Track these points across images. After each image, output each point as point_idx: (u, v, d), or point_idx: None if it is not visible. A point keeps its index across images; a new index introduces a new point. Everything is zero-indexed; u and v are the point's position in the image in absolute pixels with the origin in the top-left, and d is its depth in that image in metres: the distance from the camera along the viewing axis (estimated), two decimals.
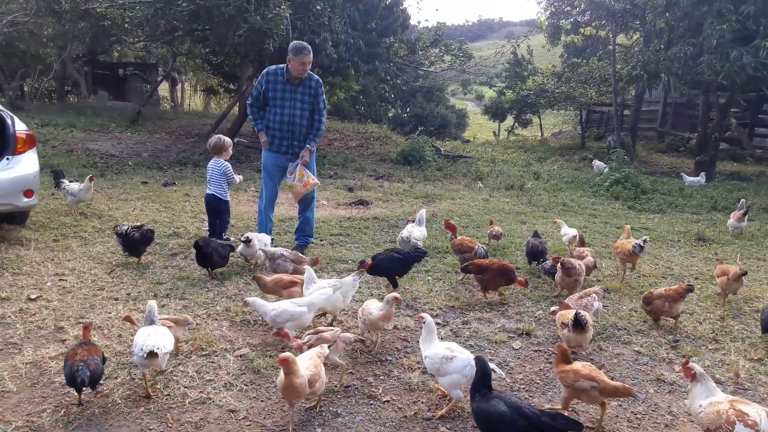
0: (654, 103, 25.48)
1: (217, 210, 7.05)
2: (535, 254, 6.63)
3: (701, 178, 14.83)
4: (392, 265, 5.65)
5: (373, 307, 4.43)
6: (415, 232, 6.93)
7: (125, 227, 6.24)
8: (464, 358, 3.65)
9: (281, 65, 6.78)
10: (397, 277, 5.77)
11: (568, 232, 7.57)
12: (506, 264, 5.65)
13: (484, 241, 7.57)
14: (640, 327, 5.20)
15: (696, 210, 11.92)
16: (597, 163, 17.00)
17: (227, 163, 7.08)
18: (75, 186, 8.26)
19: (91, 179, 8.30)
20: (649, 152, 22.53)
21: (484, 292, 5.68)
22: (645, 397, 4.00)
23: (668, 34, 18.31)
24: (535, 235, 7.13)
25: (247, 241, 6.20)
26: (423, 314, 3.99)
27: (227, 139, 7.21)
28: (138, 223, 6.49)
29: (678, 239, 9.05)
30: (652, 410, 3.85)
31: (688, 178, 14.86)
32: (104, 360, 3.67)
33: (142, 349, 3.55)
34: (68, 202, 8.31)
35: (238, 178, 7.21)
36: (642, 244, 6.35)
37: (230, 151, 7.18)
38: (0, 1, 20.25)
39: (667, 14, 17.38)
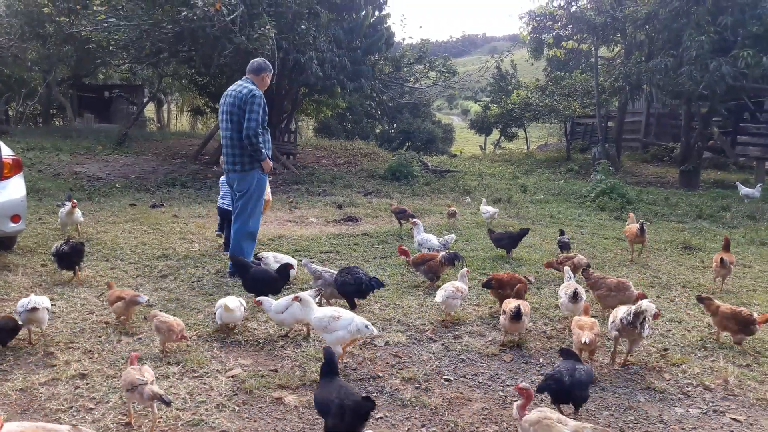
0: (637, 114, 25.79)
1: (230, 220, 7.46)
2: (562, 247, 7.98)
3: (756, 191, 14.01)
4: (345, 289, 5.60)
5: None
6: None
7: (57, 245, 6.33)
8: (348, 317, 4.41)
9: (254, 86, 6.45)
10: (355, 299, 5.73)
11: (488, 210, 10.28)
12: (522, 279, 5.72)
13: (475, 253, 7.63)
14: None
15: (681, 219, 12.05)
16: (744, 189, 14.34)
17: None
18: (61, 210, 8.24)
19: (72, 205, 8.03)
20: (634, 162, 22.77)
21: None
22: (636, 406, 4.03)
23: (649, 46, 18.62)
24: (561, 233, 8.32)
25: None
26: (298, 294, 4.69)
27: None
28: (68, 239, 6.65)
29: (665, 248, 9.14)
30: (644, 419, 3.88)
31: (745, 189, 14.22)
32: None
33: (24, 306, 4.51)
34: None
35: None
36: (642, 226, 7.94)
37: None
38: None
39: (647, 27, 17.70)
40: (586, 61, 25.03)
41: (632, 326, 4.44)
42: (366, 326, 4.42)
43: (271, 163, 6.72)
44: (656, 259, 8.39)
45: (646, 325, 4.49)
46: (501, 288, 5.65)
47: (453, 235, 7.98)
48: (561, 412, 3.55)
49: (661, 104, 18.90)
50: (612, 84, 19.38)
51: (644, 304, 4.46)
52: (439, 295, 5.31)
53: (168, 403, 3.49)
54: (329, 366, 3.54)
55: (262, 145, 6.39)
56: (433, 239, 7.59)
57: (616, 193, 13.49)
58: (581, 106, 24.51)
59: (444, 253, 6.72)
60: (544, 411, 3.32)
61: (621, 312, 4.56)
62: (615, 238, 9.76)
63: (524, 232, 8.32)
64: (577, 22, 20.25)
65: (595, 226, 11.03)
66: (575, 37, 22.11)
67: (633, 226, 8.12)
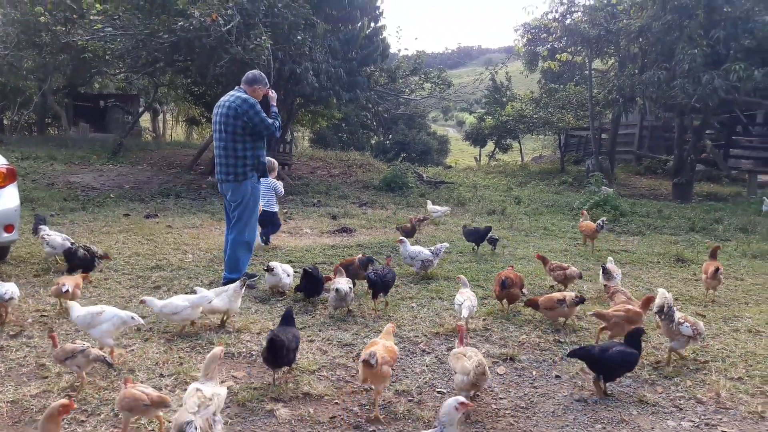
0: (631, 127, 25.97)
1: (268, 221, 8.81)
2: None
3: None
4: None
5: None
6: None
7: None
8: (111, 312, 4.64)
9: (246, 94, 6.54)
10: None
11: (438, 209, 11.78)
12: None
13: (470, 268, 7.62)
14: None
15: (674, 231, 12.10)
16: None
17: (275, 180, 9.04)
18: (58, 239, 7.13)
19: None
20: (628, 175, 22.89)
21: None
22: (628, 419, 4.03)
23: (642, 58, 18.79)
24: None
25: (270, 270, 6.35)
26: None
27: (275, 161, 9.13)
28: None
29: (657, 261, 9.18)
30: None
31: None
32: None
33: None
34: (46, 252, 7.23)
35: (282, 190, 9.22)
36: (602, 223, 9.66)
37: (276, 171, 9.24)
38: None
39: (641, 40, 17.87)
40: (580, 73, 25.24)
41: (666, 321, 4.89)
42: (132, 317, 4.68)
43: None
44: (649, 272, 8.42)
45: (676, 317, 4.87)
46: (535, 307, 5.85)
47: (446, 244, 7.99)
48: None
49: (654, 117, 19.08)
50: (606, 96, 19.54)
51: (660, 291, 5.02)
52: (465, 309, 5.27)
53: (110, 365, 4.11)
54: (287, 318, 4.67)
55: (274, 120, 6.64)
56: (423, 250, 7.55)
57: (609, 205, 13.55)
58: (575, 118, 24.67)
59: (359, 256, 6.96)
60: (463, 348, 4.19)
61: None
62: (608, 250, 9.79)
63: (488, 230, 9.33)
64: (571, 35, 20.43)
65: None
66: (569, 50, 22.29)
67: (590, 223, 9.77)
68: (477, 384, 3.99)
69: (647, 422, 4.02)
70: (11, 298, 5.31)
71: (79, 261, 6.68)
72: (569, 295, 5.68)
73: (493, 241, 9.29)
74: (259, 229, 8.43)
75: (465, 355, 4.06)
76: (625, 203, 14.49)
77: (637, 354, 4.40)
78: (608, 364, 4.29)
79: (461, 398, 3.19)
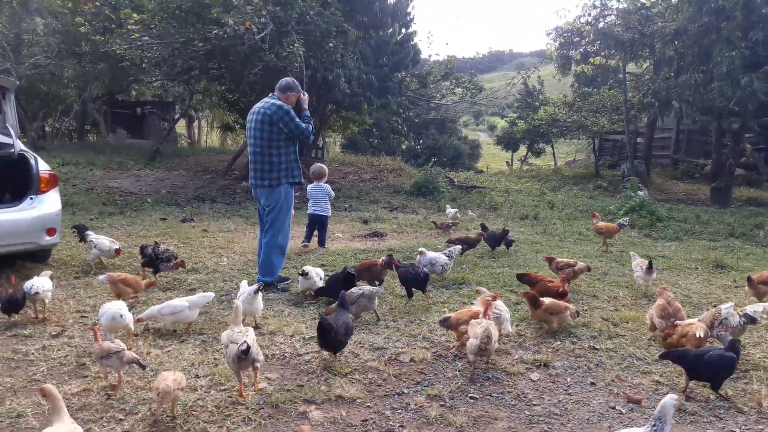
0: (667, 131, 25.47)
1: (322, 224, 9.51)
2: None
3: None
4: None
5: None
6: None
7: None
8: (105, 308, 4.89)
9: (279, 101, 6.63)
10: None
11: (450, 211, 12.59)
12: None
13: (502, 273, 7.57)
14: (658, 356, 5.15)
15: (713, 237, 11.83)
16: None
17: (327, 185, 9.67)
18: (105, 242, 7.51)
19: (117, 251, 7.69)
20: (664, 179, 22.45)
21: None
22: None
23: (678, 61, 18.42)
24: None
25: (304, 274, 6.46)
26: None
27: (324, 167, 10.00)
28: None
29: (696, 267, 8.98)
30: None
31: None
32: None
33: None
34: (93, 254, 7.52)
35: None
36: (624, 222, 10.29)
37: (327, 176, 9.86)
38: (23, 45, 20.94)
39: (676, 42, 17.53)
40: (614, 77, 24.87)
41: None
42: (121, 315, 4.82)
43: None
44: (687, 278, 8.25)
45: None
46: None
47: (459, 246, 7.99)
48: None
49: (691, 120, 18.65)
50: (641, 100, 19.21)
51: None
52: (506, 323, 5.25)
53: (143, 367, 4.18)
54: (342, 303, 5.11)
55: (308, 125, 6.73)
56: (440, 256, 7.48)
57: (645, 210, 13.31)
58: (609, 122, 24.31)
59: (383, 258, 7.01)
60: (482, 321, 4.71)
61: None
62: (645, 256, 9.59)
63: (505, 233, 9.51)
64: (604, 38, 20.15)
65: (624, 243, 10.88)
66: (603, 53, 22.00)
67: (610, 224, 10.23)
68: (484, 348, 4.48)
69: (685, 431, 3.93)
70: (36, 293, 5.43)
71: (147, 259, 6.99)
72: (572, 308, 5.67)
73: (509, 243, 9.51)
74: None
75: (479, 324, 4.63)
76: (661, 208, 14.21)
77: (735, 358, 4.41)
78: (707, 368, 4.33)
79: (675, 395, 3.32)
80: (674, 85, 16.63)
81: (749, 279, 6.60)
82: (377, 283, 6.69)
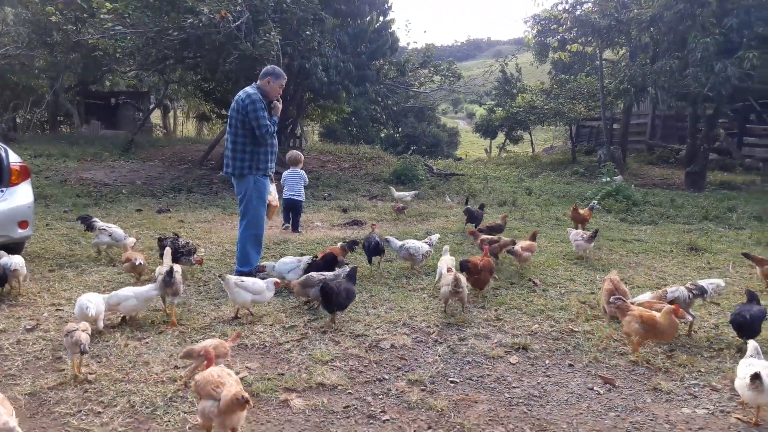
0: (642, 116, 25.76)
1: (297, 208, 10.02)
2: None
3: None
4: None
5: None
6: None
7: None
8: (80, 299, 4.90)
9: (253, 90, 6.47)
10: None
11: (406, 194, 12.93)
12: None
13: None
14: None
15: (687, 220, 12.01)
16: None
17: (302, 171, 10.03)
18: (119, 230, 7.53)
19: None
20: (640, 164, 22.72)
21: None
22: (642, 407, 4.02)
23: (653, 48, 18.60)
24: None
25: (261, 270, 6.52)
26: None
27: (299, 153, 10.46)
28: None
29: (671, 249, 9.12)
30: (650, 419, 3.88)
31: None
32: None
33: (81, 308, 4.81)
34: (102, 242, 7.51)
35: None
36: (594, 205, 10.58)
37: (302, 162, 10.22)
38: None
39: (652, 29, 17.67)
40: (590, 63, 25.05)
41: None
42: (87, 307, 4.77)
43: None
44: (662, 261, 8.37)
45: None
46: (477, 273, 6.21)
47: (437, 235, 8.06)
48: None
49: (667, 106, 18.91)
50: (617, 86, 19.37)
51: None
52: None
53: (83, 353, 4.11)
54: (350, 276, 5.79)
55: (270, 125, 6.49)
56: (422, 244, 7.45)
57: (621, 195, 13.45)
58: (586, 108, 24.51)
59: (340, 243, 7.29)
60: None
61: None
62: (621, 239, 9.76)
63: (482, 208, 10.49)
64: (581, 26, 20.27)
65: (601, 228, 10.98)
66: (580, 40, 22.13)
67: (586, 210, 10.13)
68: (455, 292, 5.49)
69: (662, 410, 4.01)
70: (15, 269, 5.85)
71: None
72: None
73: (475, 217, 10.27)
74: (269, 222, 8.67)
75: (451, 270, 5.74)
76: (637, 193, 14.37)
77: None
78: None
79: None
80: (650, 71, 16.79)
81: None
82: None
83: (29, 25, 18.13)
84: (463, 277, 5.63)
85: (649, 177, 20.17)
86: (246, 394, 3.25)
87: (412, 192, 13.34)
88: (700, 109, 17.62)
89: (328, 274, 5.85)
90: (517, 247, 7.29)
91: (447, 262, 6.40)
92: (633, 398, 4.16)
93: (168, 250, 6.06)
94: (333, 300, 5.26)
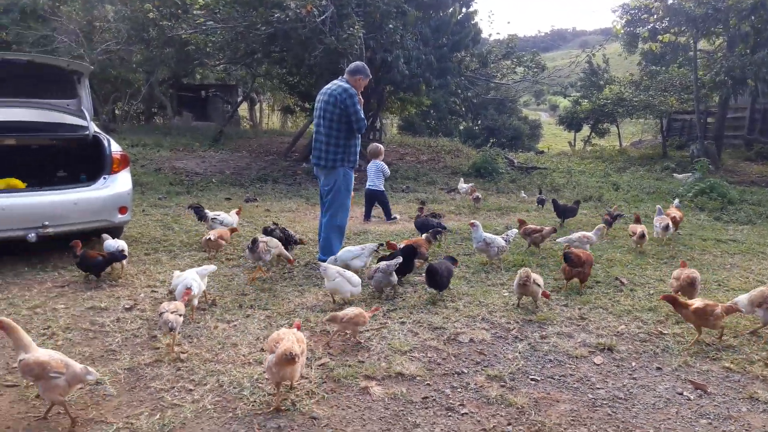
0: (740, 110, 24.25)
1: (379, 199, 10.33)
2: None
3: None
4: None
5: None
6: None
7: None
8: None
9: (348, 85, 6.69)
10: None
11: (464, 186, 13.06)
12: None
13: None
14: (730, 342, 4.98)
15: None
16: None
17: (383, 162, 10.36)
18: (229, 218, 8.28)
19: (237, 212, 8.67)
20: (736, 161, 21.42)
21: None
22: (737, 416, 3.82)
23: (754, 37, 17.43)
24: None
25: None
26: None
27: (380, 145, 10.65)
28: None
29: None
30: (745, 429, 3.68)
31: None
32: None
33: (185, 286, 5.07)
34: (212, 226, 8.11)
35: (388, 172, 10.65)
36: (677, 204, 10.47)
37: (383, 155, 10.51)
38: (95, 31, 21.78)
39: (753, 17, 16.58)
40: (684, 54, 23.83)
41: None
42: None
43: None
44: (760, 263, 7.88)
45: None
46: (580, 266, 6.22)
47: (515, 230, 7.87)
48: None
49: None
50: (713, 78, 18.32)
51: None
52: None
53: (171, 329, 4.35)
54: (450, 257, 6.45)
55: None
56: (497, 238, 7.32)
57: (716, 193, 12.75)
58: (678, 101, 23.35)
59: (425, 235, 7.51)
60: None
61: None
62: (714, 239, 9.25)
63: (577, 204, 10.48)
64: (674, 15, 19.30)
65: (693, 227, 10.48)
66: (672, 30, 21.04)
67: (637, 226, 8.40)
68: (523, 285, 5.56)
69: (759, 420, 3.79)
70: (123, 250, 6.50)
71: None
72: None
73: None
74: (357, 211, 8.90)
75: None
76: (733, 191, 13.56)
77: None
78: None
79: None
80: (750, 62, 15.80)
81: None
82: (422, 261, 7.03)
83: (128, 22, 19.15)
84: (531, 272, 5.63)
85: (747, 174, 18.98)
86: (294, 350, 3.58)
87: (470, 184, 13.44)
88: None
89: (381, 265, 5.97)
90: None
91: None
92: (726, 406, 3.95)
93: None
94: (437, 278, 5.75)
